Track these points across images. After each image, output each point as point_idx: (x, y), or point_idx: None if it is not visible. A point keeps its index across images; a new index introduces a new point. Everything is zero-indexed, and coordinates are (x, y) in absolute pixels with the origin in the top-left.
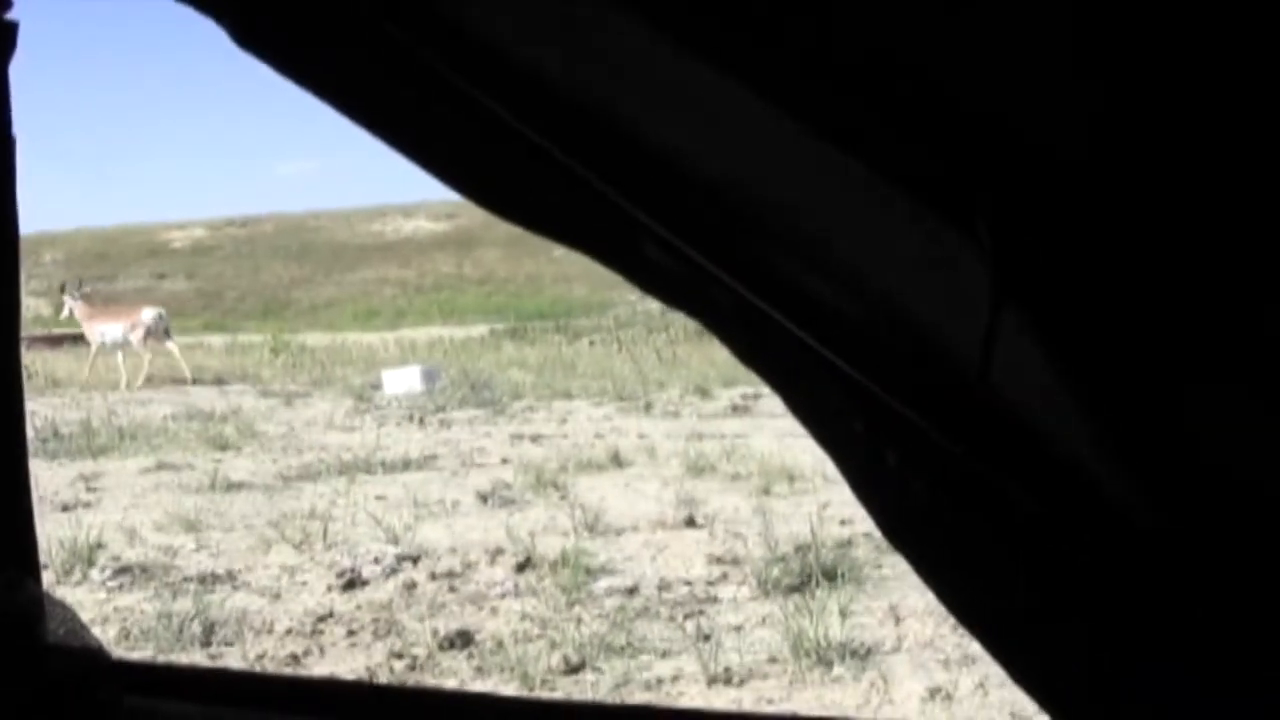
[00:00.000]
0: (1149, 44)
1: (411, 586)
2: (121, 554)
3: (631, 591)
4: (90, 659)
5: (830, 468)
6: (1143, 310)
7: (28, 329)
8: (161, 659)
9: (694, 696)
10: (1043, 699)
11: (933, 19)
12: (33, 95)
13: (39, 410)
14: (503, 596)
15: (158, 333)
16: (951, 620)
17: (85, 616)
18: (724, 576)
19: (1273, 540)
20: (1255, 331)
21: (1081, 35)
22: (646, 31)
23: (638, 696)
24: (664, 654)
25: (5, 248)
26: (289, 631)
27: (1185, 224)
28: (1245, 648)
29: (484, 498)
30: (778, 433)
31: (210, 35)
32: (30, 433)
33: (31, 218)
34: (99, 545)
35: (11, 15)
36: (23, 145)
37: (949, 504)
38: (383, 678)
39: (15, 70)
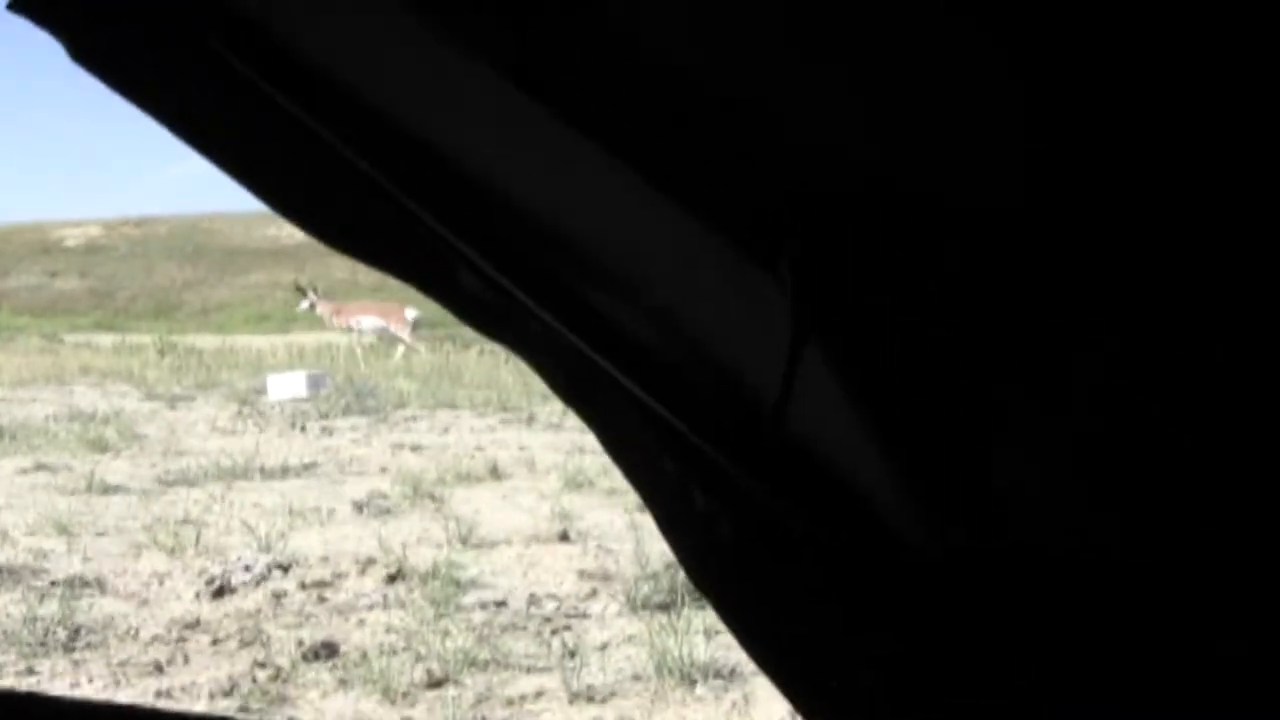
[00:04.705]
0: (942, 90)
1: (280, 595)
2: None
3: (500, 605)
4: None
5: None
6: (941, 352)
7: None
8: (24, 665)
9: (555, 714)
10: None
11: (743, 65)
12: None
13: None
14: (371, 608)
15: None
16: None
17: None
18: (594, 593)
19: (1054, 586)
20: (1063, 380)
21: (877, 84)
22: (468, 63)
23: (498, 713)
24: (528, 670)
25: None
26: (154, 639)
27: (985, 266)
28: (1037, 686)
29: (360, 507)
30: None
31: None
32: None
33: None
34: None
35: None
36: None
37: (752, 546)
38: (245, 687)
39: None
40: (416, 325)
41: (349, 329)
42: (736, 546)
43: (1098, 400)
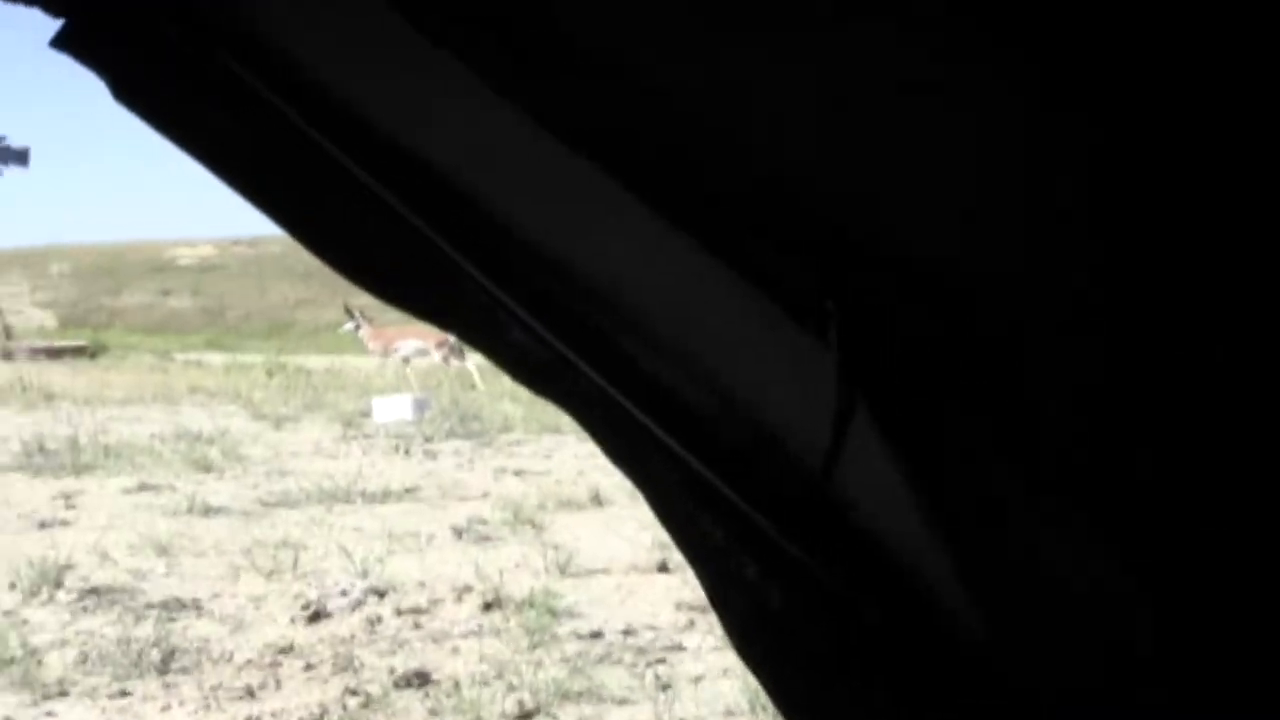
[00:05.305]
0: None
1: (376, 621)
2: (91, 575)
3: (595, 636)
4: None
5: None
6: (986, 420)
7: (31, 339)
8: (116, 687)
9: None
10: None
11: (793, 131)
12: (47, 109)
13: (26, 425)
14: (465, 636)
15: None
16: None
17: (46, 639)
18: (690, 624)
19: (1094, 661)
20: (1087, 457)
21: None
22: (524, 126)
23: None
24: (621, 702)
25: None
26: (248, 663)
27: (1028, 342)
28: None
29: (459, 533)
30: None
31: None
32: (17, 447)
33: (41, 230)
34: (69, 566)
35: None
36: (36, 159)
37: (799, 617)
38: (335, 714)
39: (24, 83)
40: (459, 350)
41: (391, 353)
42: (784, 618)
43: (1151, 473)
